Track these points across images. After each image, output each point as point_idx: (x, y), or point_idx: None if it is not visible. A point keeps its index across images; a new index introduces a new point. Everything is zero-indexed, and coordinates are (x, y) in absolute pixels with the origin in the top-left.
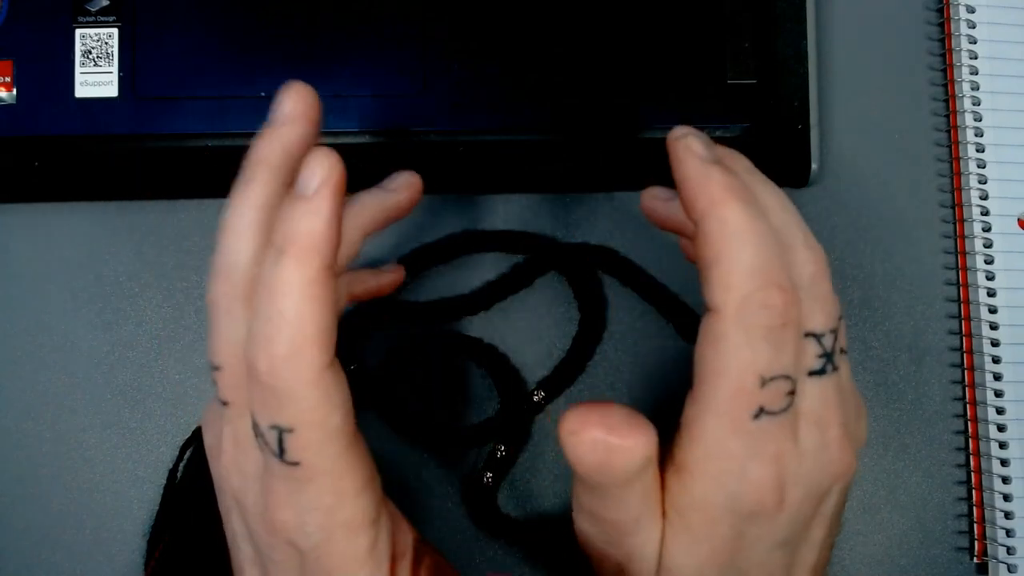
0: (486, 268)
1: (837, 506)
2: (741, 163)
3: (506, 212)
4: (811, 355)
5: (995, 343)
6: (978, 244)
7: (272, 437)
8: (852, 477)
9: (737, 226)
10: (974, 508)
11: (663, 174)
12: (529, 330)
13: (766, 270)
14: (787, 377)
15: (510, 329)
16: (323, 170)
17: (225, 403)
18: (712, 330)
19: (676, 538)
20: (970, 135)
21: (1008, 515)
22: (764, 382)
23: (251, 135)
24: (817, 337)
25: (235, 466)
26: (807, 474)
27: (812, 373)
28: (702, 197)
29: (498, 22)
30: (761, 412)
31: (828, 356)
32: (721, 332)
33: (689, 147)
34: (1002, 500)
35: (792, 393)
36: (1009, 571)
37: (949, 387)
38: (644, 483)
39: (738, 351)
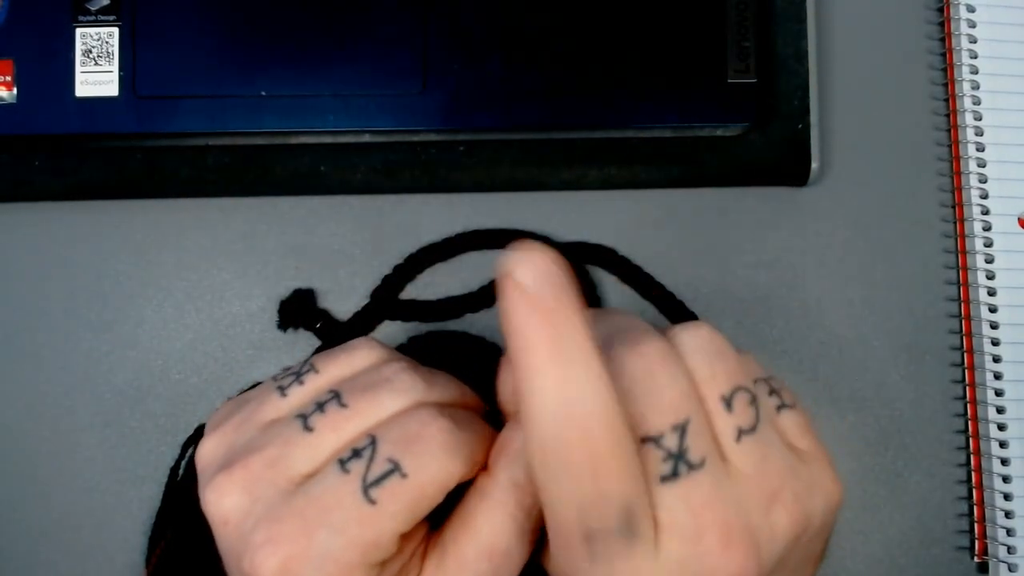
0: (488, 267)
1: None
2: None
3: (506, 211)
4: (655, 461)
5: (995, 343)
6: (978, 244)
7: None
8: None
9: None
10: (974, 507)
11: (661, 173)
12: None
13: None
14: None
15: None
16: None
17: None
18: None
19: None
20: (970, 135)
21: (1008, 514)
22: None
23: (251, 135)
24: (654, 440)
25: None
26: None
27: (664, 479)
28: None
29: (498, 21)
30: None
31: (677, 456)
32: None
33: None
34: (1002, 499)
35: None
36: (1010, 570)
37: (949, 387)
38: None
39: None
